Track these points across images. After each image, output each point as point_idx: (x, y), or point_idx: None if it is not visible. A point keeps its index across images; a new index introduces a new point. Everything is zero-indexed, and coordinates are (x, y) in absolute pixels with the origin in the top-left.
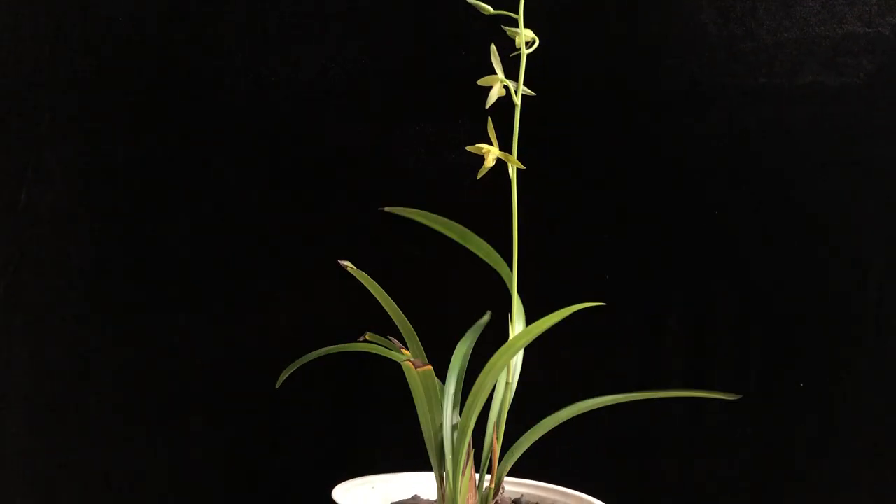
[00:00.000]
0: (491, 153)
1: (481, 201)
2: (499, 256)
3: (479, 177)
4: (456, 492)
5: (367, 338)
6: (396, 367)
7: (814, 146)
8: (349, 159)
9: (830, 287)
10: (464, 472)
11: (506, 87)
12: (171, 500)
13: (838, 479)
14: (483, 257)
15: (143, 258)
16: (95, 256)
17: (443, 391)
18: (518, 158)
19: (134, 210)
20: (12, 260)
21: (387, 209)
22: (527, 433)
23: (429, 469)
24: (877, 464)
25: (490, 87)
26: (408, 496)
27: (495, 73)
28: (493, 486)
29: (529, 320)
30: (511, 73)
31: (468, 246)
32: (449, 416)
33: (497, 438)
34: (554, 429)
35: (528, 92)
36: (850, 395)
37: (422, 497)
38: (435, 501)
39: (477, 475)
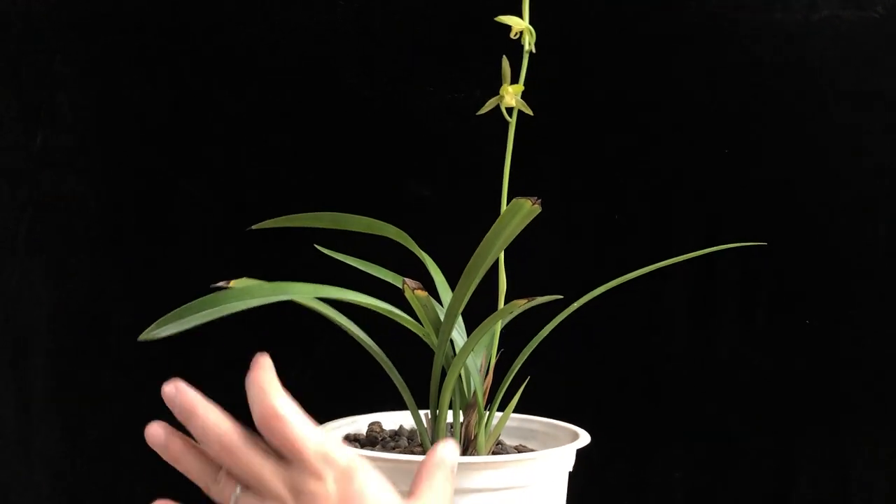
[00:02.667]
0: (510, 93)
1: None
2: (381, 223)
3: (482, 112)
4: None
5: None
6: None
7: (830, 81)
8: (355, 97)
9: (843, 222)
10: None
11: (520, 32)
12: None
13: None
14: (365, 230)
15: (158, 198)
16: (109, 198)
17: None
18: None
19: (147, 151)
20: (30, 202)
21: (255, 227)
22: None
23: None
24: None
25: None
26: (394, 427)
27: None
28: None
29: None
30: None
31: (343, 227)
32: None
33: (490, 368)
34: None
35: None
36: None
37: (406, 427)
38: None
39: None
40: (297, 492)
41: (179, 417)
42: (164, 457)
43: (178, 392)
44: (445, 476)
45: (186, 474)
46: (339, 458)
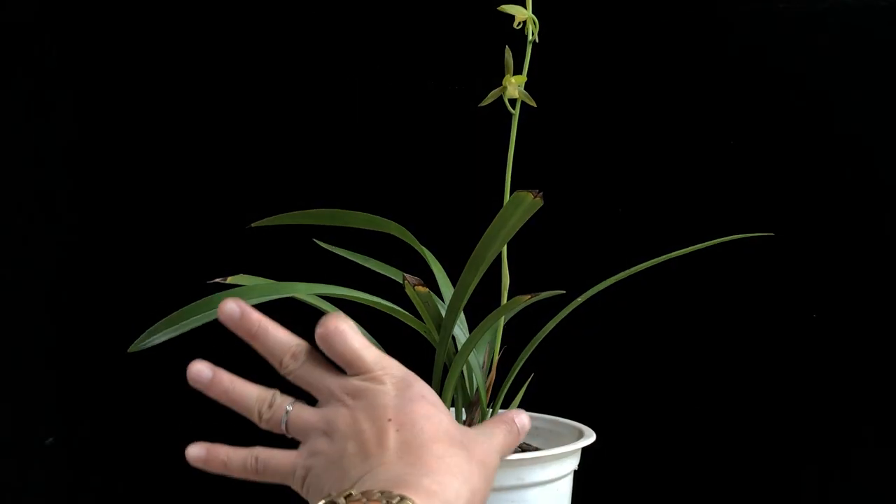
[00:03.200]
0: (513, 84)
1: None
2: (382, 219)
3: (484, 103)
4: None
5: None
6: None
7: (835, 70)
8: (352, 92)
9: (850, 214)
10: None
11: (523, 22)
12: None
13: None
14: (366, 226)
15: (155, 195)
16: (105, 195)
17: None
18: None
19: (143, 147)
20: (25, 199)
21: (254, 224)
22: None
23: None
24: None
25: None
26: None
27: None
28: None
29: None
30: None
31: (344, 223)
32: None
33: (494, 365)
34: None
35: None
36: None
37: None
38: None
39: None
40: (357, 394)
41: (246, 334)
42: (210, 393)
43: (243, 311)
44: (508, 430)
45: (235, 405)
46: (396, 367)
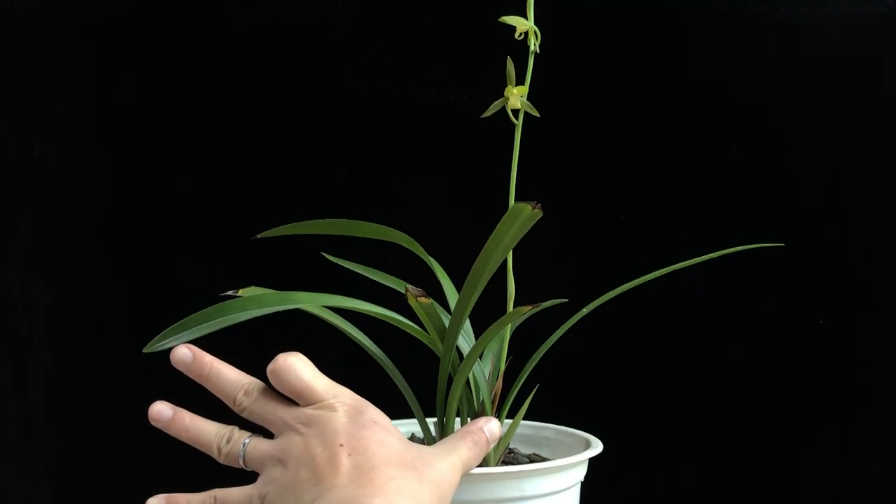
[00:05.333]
0: (515, 94)
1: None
2: (389, 229)
3: (487, 114)
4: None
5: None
6: None
7: (836, 77)
8: (356, 103)
9: (855, 221)
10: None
11: (525, 33)
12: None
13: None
14: (373, 236)
15: (160, 206)
16: (109, 205)
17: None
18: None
19: (147, 156)
20: (29, 210)
21: (260, 235)
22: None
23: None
24: None
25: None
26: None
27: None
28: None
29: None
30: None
31: (351, 233)
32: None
33: (500, 376)
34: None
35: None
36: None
37: (417, 436)
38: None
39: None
40: (310, 422)
41: (198, 376)
42: (171, 430)
43: (195, 354)
44: (474, 441)
45: (194, 442)
46: (348, 395)
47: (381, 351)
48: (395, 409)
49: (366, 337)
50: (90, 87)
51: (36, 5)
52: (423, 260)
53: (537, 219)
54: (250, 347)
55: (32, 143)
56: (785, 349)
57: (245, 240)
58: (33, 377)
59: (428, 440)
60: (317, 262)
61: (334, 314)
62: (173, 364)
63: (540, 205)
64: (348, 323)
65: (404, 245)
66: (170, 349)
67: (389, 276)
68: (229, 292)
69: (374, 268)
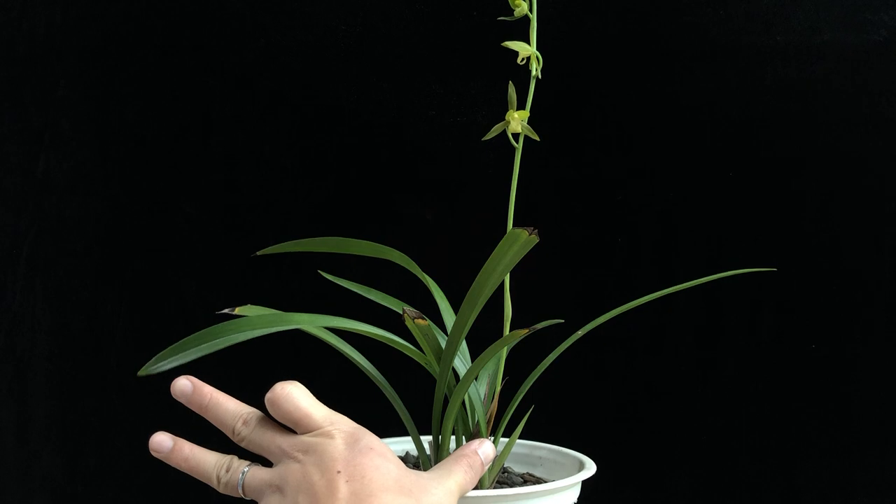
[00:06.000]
0: (516, 119)
1: (487, 164)
2: (386, 248)
3: (488, 137)
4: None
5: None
6: None
7: (832, 105)
8: (358, 121)
9: (848, 247)
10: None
11: (527, 58)
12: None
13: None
14: (370, 254)
15: (160, 223)
16: (111, 222)
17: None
18: (530, 124)
19: (149, 175)
20: (33, 226)
21: (259, 253)
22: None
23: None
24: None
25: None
26: (400, 454)
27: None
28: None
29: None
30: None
31: (348, 252)
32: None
33: (495, 397)
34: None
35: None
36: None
37: (412, 454)
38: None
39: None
40: (308, 449)
41: (198, 407)
42: (171, 461)
43: (195, 386)
44: (469, 465)
45: (194, 472)
46: (345, 423)
47: (377, 371)
48: (391, 429)
49: (362, 357)
50: (96, 108)
51: (40, 22)
52: (419, 279)
53: (534, 244)
54: (246, 364)
55: (38, 161)
56: (778, 371)
57: (244, 258)
58: (33, 391)
59: (423, 460)
60: (313, 280)
61: (331, 334)
62: (174, 395)
63: (537, 231)
64: (345, 342)
65: (400, 263)
66: (165, 371)
67: (386, 296)
68: (226, 310)
69: (370, 287)
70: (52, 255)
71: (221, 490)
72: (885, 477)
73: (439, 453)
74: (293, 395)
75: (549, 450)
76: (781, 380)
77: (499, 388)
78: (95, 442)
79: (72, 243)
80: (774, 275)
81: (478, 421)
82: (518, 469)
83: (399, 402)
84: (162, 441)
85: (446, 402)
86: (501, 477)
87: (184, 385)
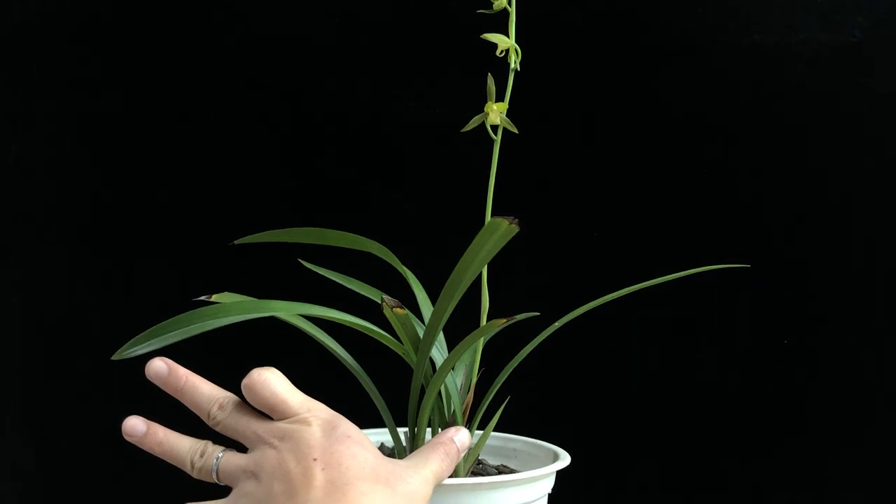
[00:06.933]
0: (495, 111)
1: (466, 155)
2: (364, 239)
3: (466, 129)
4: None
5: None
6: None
7: (806, 105)
8: (337, 111)
9: (819, 244)
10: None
11: (506, 50)
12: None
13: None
14: (348, 246)
15: (136, 211)
16: (86, 208)
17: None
18: (509, 116)
19: (125, 161)
20: (4, 212)
21: (236, 242)
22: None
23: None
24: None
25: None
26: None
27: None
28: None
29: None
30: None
31: (327, 243)
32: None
33: (471, 388)
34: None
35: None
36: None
37: (387, 445)
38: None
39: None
40: (284, 436)
41: (173, 389)
42: (144, 445)
43: (171, 368)
44: (445, 452)
45: (168, 456)
46: (322, 410)
47: (353, 360)
48: (367, 419)
49: (339, 346)
50: (72, 92)
51: (15, 6)
52: (397, 270)
53: (514, 234)
54: (222, 351)
55: (11, 145)
56: (753, 365)
57: (222, 247)
58: (5, 379)
59: (398, 450)
60: (292, 269)
61: (308, 322)
62: (148, 377)
63: (517, 220)
64: (322, 332)
65: (379, 255)
66: (140, 356)
67: (365, 285)
68: (202, 297)
69: (350, 276)
70: (24, 242)
71: (195, 475)
72: (853, 470)
73: (415, 444)
74: (270, 381)
75: (524, 442)
76: (754, 373)
77: (475, 380)
78: (68, 430)
79: (46, 230)
80: (748, 270)
81: (454, 411)
82: (493, 461)
83: (375, 392)
84: (135, 425)
85: (423, 392)
86: (476, 468)
87: (159, 367)
